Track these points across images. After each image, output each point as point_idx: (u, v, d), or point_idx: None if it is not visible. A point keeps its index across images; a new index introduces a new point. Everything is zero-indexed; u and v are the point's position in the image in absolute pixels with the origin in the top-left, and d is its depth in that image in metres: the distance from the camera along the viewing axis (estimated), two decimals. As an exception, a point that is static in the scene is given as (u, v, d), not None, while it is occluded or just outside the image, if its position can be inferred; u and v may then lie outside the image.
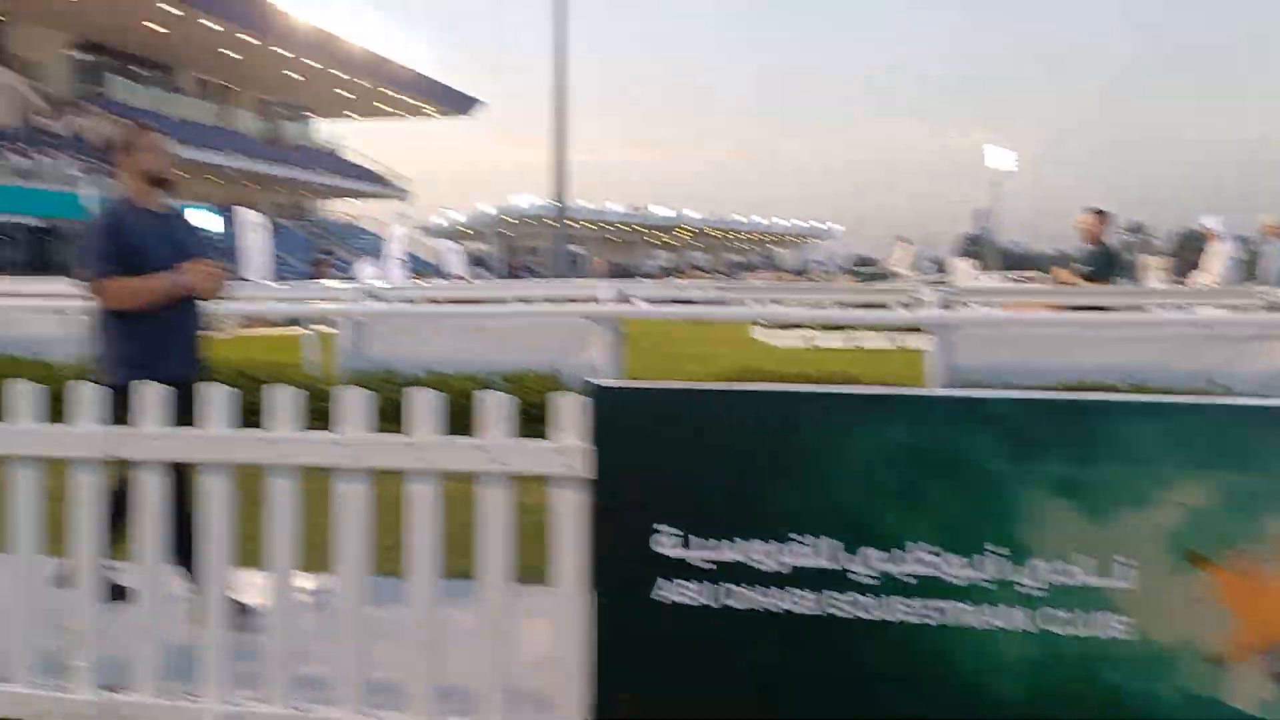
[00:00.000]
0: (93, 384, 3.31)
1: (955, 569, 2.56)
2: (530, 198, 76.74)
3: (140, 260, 4.01)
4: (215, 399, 3.18)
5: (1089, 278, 9.27)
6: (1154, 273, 22.39)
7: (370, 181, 64.68)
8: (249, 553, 3.38)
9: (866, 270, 38.01)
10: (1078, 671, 2.52)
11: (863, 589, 2.61)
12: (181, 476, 3.36)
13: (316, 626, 3.33)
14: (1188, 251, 34.29)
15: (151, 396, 3.22)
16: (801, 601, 2.65)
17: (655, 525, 2.71)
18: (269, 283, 17.39)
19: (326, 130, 67.81)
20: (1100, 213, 9.36)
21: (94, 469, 3.26)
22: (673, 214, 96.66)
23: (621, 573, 2.76)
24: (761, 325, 17.25)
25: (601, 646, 2.78)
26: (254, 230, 24.24)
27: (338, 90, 60.69)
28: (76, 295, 4.58)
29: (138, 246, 4.03)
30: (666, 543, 2.71)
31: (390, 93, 61.88)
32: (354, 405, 3.10)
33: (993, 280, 23.73)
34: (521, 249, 79.35)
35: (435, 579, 3.06)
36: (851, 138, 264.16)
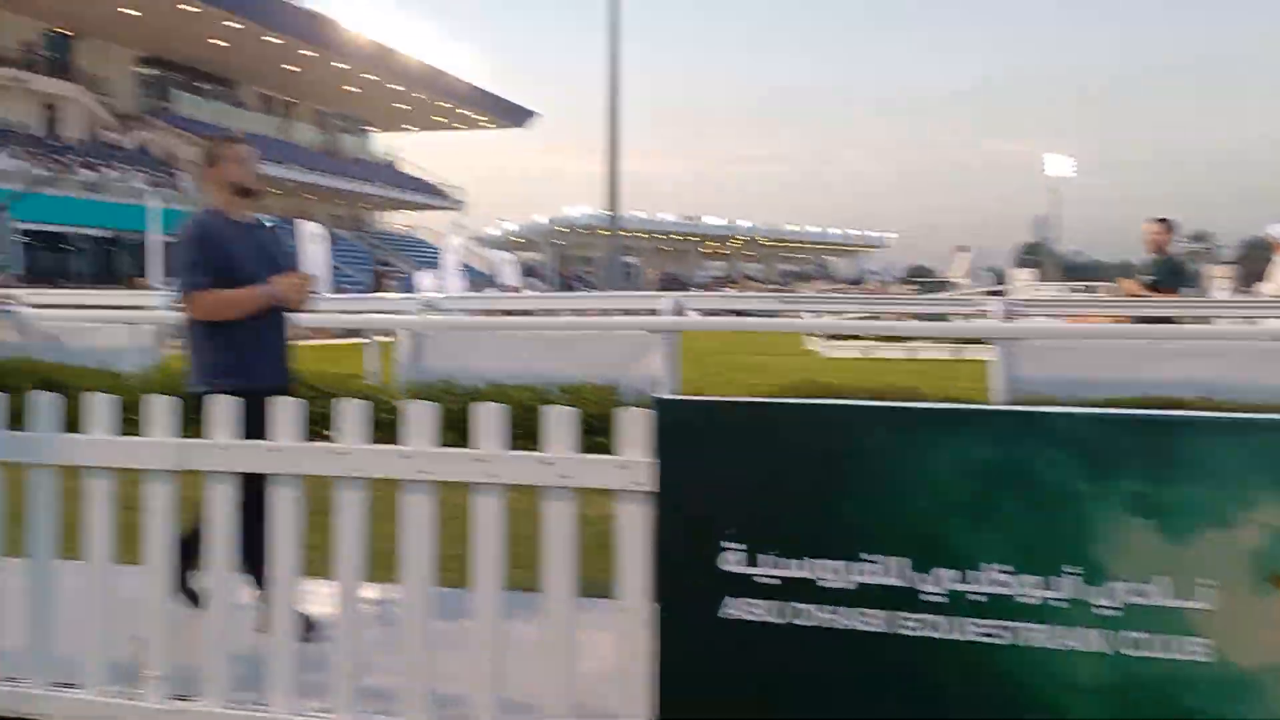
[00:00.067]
0: (164, 395, 3.36)
1: (1028, 588, 2.52)
2: (583, 208, 77.17)
3: (231, 271, 4.04)
4: (285, 410, 3.22)
5: (1154, 288, 9.14)
6: (1218, 281, 21.96)
7: (426, 193, 65.43)
8: (314, 562, 3.41)
9: (924, 280, 37.68)
10: (1154, 695, 2.45)
11: (933, 608, 2.57)
12: (252, 485, 3.40)
13: (382, 638, 3.35)
14: (1251, 261, 33.61)
15: (223, 408, 3.27)
16: (870, 620, 2.61)
17: (721, 543, 2.70)
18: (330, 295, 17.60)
19: (384, 143, 68.69)
20: (1165, 221, 9.23)
21: (166, 480, 3.31)
22: (725, 223, 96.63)
23: (685, 588, 2.74)
24: (816, 335, 17.14)
25: (665, 661, 2.76)
26: (313, 242, 24.62)
27: (395, 104, 61.50)
28: (144, 306, 4.64)
29: (228, 257, 4.06)
30: (732, 559, 2.69)
31: (447, 105, 62.57)
32: (420, 419, 3.12)
33: (1053, 290, 23.41)
34: (574, 259, 79.73)
35: (499, 591, 3.07)
36: (905, 145, 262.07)
